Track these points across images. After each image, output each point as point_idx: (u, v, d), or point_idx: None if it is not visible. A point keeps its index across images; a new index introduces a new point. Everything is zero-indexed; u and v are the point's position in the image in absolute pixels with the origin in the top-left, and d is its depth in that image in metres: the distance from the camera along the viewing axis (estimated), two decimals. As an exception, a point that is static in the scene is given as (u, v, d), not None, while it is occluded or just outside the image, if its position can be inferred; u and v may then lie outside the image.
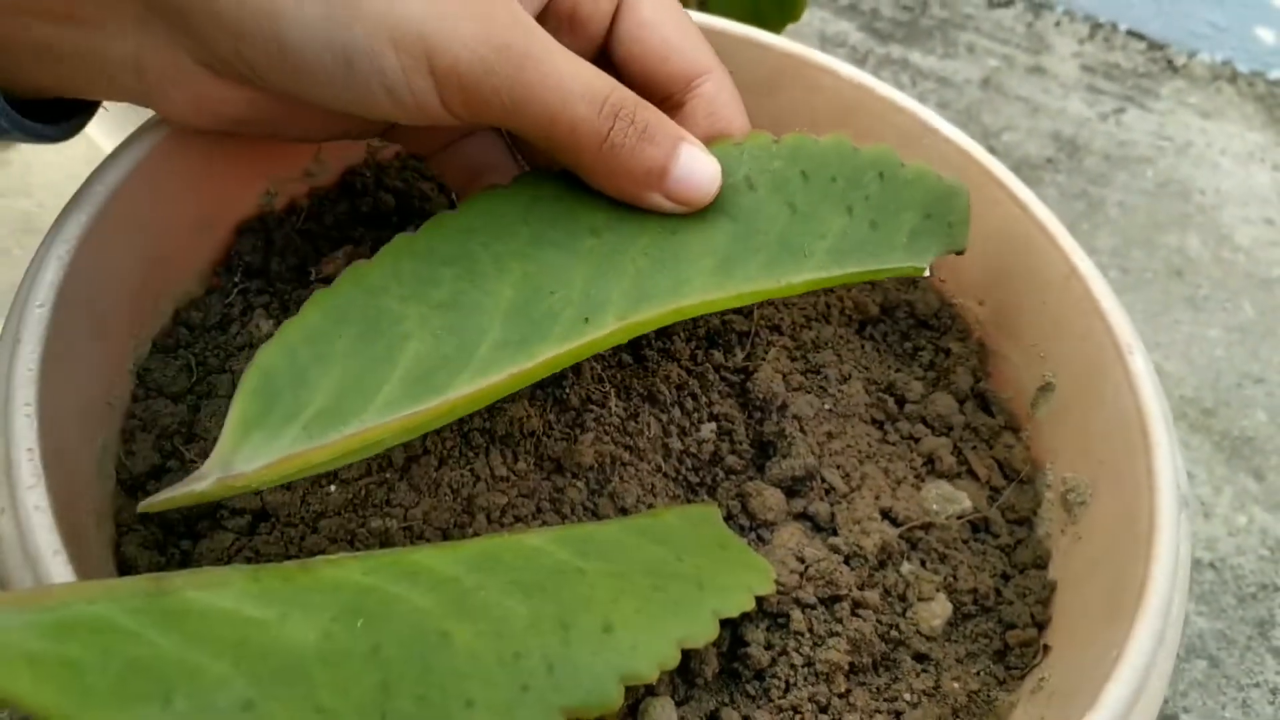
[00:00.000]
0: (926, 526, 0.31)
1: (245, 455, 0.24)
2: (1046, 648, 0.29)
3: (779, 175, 0.29)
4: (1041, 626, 0.30)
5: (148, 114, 0.31)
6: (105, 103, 0.31)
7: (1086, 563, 0.29)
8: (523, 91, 0.24)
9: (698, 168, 0.26)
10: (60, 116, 0.29)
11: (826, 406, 0.33)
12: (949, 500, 0.31)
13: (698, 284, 0.27)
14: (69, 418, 0.27)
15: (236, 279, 0.33)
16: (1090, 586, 0.29)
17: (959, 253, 0.31)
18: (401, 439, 0.25)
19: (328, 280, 0.32)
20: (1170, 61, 0.76)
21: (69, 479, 0.26)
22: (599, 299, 0.27)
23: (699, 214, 0.28)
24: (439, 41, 0.24)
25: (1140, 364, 0.30)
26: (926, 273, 0.30)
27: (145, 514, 0.28)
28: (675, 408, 0.32)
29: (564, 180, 0.28)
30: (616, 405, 0.32)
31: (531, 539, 0.26)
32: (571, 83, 0.25)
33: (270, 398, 0.25)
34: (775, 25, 0.49)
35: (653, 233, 0.28)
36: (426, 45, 0.24)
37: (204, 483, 0.23)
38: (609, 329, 0.27)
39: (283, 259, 0.33)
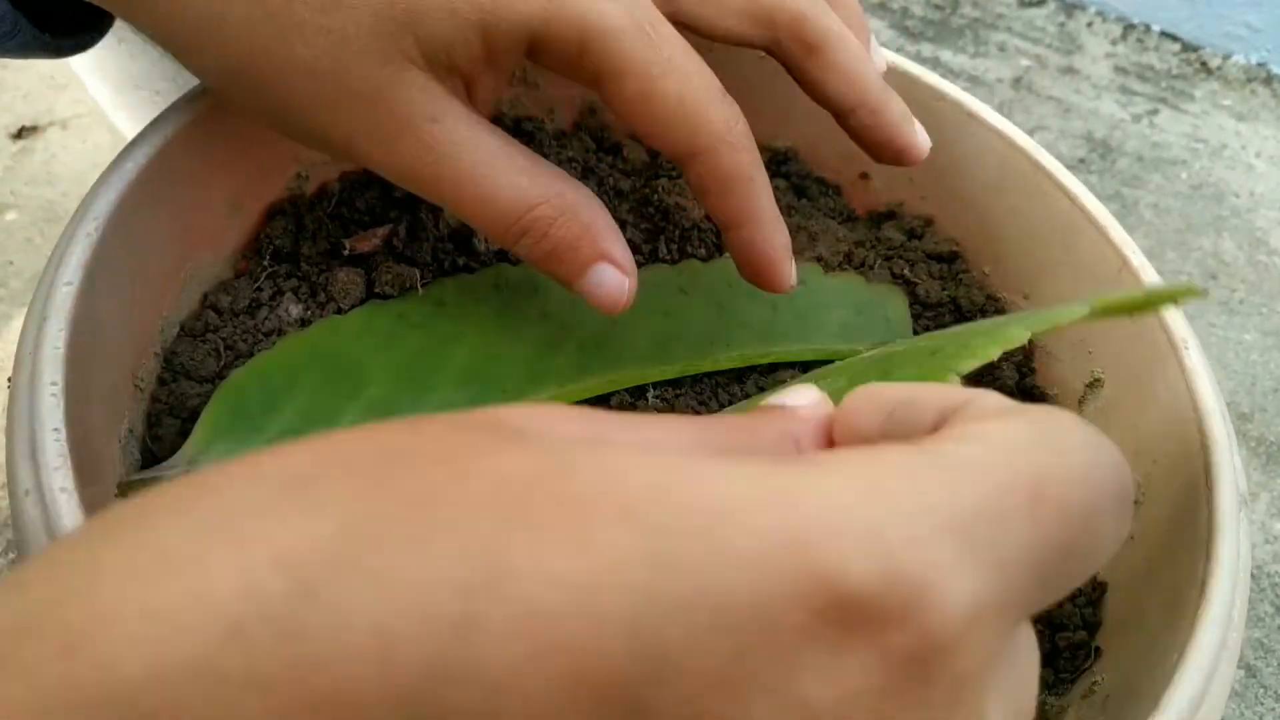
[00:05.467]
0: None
1: (212, 455, 0.27)
2: (1098, 651, 0.28)
3: (708, 285, 0.33)
4: (1092, 629, 0.29)
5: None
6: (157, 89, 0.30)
7: (1140, 564, 0.28)
8: (442, 193, 0.26)
9: (604, 288, 0.27)
10: (75, 29, 0.29)
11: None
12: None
13: (633, 360, 0.31)
14: (95, 399, 0.26)
15: (265, 263, 0.32)
16: (1145, 589, 0.28)
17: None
18: None
19: (361, 258, 0.32)
20: (1204, 63, 0.75)
21: (94, 461, 0.25)
22: (543, 368, 0.30)
23: (638, 310, 0.30)
24: (367, 162, 0.26)
25: (1196, 359, 0.29)
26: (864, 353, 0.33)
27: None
28: (713, 400, 0.31)
29: (519, 271, 0.32)
30: (654, 399, 0.31)
31: None
32: (486, 200, 0.26)
33: (239, 412, 0.28)
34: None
35: (599, 320, 0.31)
36: (356, 159, 0.26)
37: (173, 472, 0.26)
38: (549, 394, 0.30)
39: (313, 243, 0.32)
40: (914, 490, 0.13)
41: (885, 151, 0.30)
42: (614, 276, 0.27)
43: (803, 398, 0.18)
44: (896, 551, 0.12)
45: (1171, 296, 0.22)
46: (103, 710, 0.11)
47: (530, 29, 0.25)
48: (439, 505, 0.12)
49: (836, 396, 0.19)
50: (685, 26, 0.28)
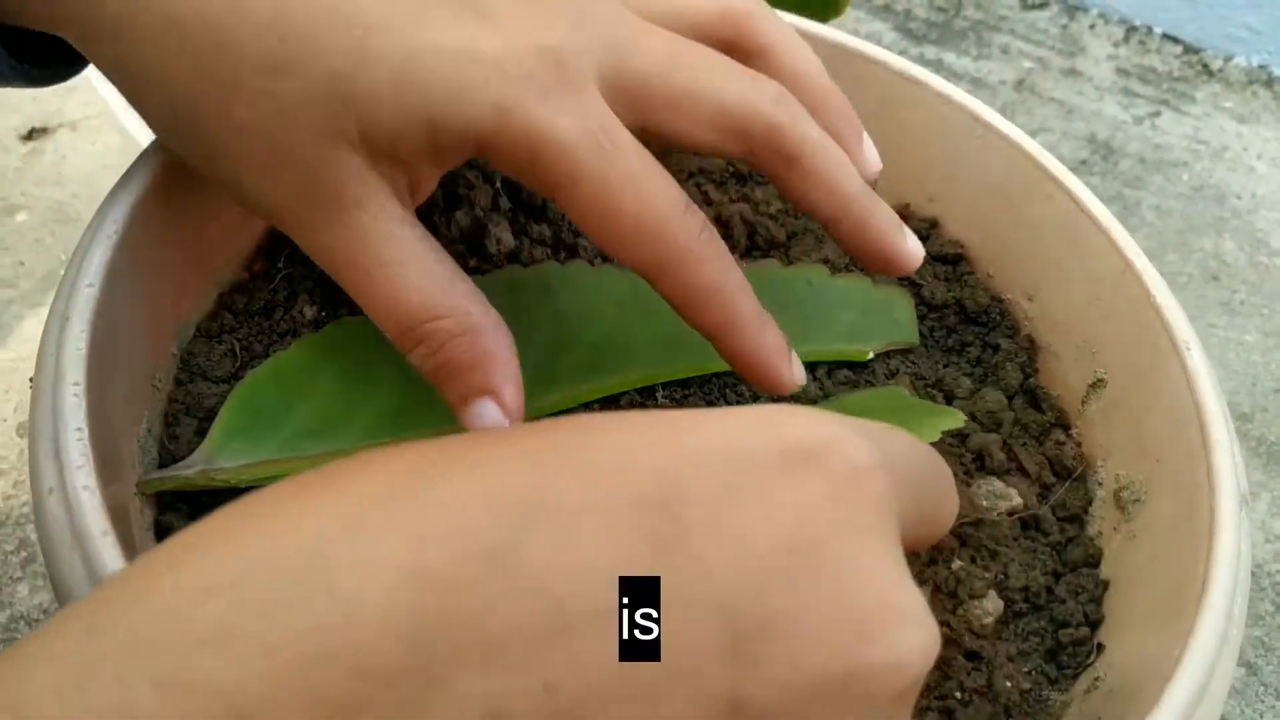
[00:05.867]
0: (976, 523, 0.30)
1: (228, 455, 0.27)
2: (1100, 646, 0.28)
3: None
4: (1094, 625, 0.29)
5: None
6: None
7: (1142, 561, 0.29)
8: (352, 279, 0.25)
9: (481, 424, 0.26)
10: (50, 60, 0.29)
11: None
12: (999, 496, 0.31)
13: (643, 361, 0.31)
14: (115, 399, 0.27)
15: (280, 264, 0.32)
16: (1147, 586, 0.28)
17: (910, 346, 0.34)
18: None
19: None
20: (1206, 65, 0.75)
21: (115, 460, 0.26)
22: (554, 369, 0.30)
23: (650, 312, 0.31)
24: (290, 232, 0.26)
25: (1198, 360, 0.30)
26: (870, 355, 0.34)
27: (190, 499, 0.28)
28: (721, 400, 0.32)
29: (531, 273, 0.32)
30: (664, 399, 0.31)
31: None
32: (391, 297, 0.25)
33: (255, 412, 0.28)
34: (818, 20, 0.48)
35: (609, 320, 0.32)
36: (282, 227, 0.26)
37: (190, 471, 0.27)
38: (560, 394, 0.30)
39: (327, 245, 0.33)
40: (838, 417, 0.19)
41: (872, 262, 0.29)
42: (495, 416, 0.25)
43: None
44: (829, 430, 0.19)
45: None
46: (410, 585, 0.15)
47: (478, 134, 0.24)
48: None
49: None
50: (654, 137, 0.27)
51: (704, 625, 0.16)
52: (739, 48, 0.29)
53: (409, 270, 0.25)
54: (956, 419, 0.31)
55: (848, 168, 0.28)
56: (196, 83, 0.24)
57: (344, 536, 0.16)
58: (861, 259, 0.29)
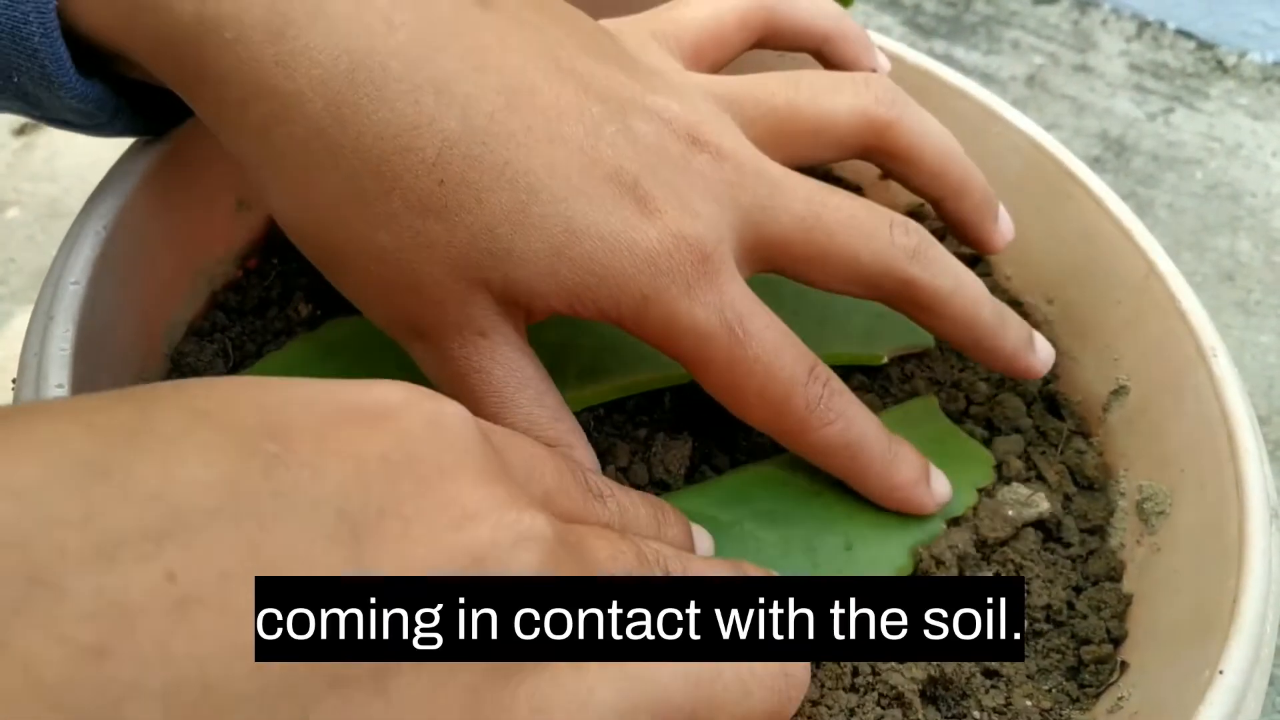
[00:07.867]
0: (1005, 540, 0.29)
1: None
2: (1124, 665, 0.27)
3: None
4: (1117, 642, 0.28)
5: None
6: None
7: (1167, 576, 0.28)
8: (460, 400, 0.26)
9: None
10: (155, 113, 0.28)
11: (889, 407, 0.31)
12: (1024, 505, 0.29)
13: (650, 364, 0.30)
14: (101, 402, 0.26)
15: (275, 261, 0.31)
16: (1173, 601, 0.27)
17: (926, 349, 0.33)
18: None
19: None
20: (1220, 61, 0.74)
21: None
22: (556, 369, 0.28)
23: None
24: (404, 345, 0.27)
25: (1225, 367, 0.29)
26: (885, 359, 0.32)
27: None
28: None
29: None
30: (669, 401, 0.30)
31: (771, 469, 0.29)
32: (497, 420, 0.26)
33: None
34: (826, 13, 0.47)
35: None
36: (395, 338, 0.27)
37: None
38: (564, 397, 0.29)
39: (323, 242, 0.32)
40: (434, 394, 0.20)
41: (1006, 374, 0.31)
42: None
43: None
44: (426, 394, 0.20)
45: None
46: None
47: (619, 316, 0.25)
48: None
49: None
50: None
51: (323, 520, 0.17)
52: (880, 153, 0.30)
53: (521, 396, 0.26)
54: (986, 467, 0.30)
55: (978, 303, 0.29)
56: (344, 202, 0.24)
57: None
58: (993, 369, 0.31)
